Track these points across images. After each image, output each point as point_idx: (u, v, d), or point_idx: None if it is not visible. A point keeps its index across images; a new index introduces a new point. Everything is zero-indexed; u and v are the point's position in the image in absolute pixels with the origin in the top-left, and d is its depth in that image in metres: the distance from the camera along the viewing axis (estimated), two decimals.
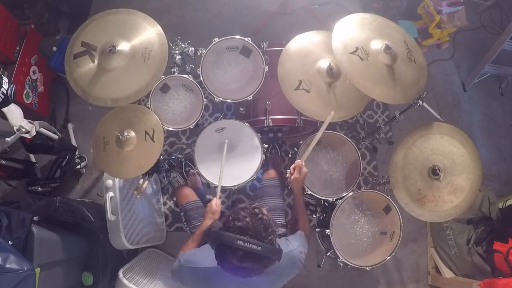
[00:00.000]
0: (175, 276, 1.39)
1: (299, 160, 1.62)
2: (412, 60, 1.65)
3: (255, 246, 1.07)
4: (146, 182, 1.89)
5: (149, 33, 1.69)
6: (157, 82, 1.68)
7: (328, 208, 2.02)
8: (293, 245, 1.39)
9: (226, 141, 1.84)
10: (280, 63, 1.79)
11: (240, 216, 1.13)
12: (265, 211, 1.19)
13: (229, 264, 1.12)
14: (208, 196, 2.46)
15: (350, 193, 1.84)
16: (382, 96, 1.61)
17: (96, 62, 1.67)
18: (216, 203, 1.60)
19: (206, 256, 1.28)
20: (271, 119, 1.98)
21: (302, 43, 1.83)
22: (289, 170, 1.65)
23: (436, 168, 1.68)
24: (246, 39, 1.91)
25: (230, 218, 1.15)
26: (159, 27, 1.71)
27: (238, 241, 1.07)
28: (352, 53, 1.57)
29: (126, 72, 1.65)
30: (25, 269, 1.39)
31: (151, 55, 1.65)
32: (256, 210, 1.16)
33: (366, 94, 1.57)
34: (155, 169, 1.97)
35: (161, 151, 1.72)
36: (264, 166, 2.19)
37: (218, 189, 1.70)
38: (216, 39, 1.91)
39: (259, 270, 1.15)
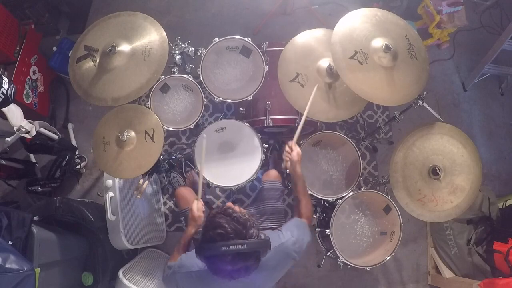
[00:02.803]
0: (168, 283, 1.39)
1: (289, 142, 1.58)
2: (413, 56, 1.65)
3: (240, 245, 1.08)
4: (146, 182, 1.90)
5: (149, 32, 1.69)
6: (157, 78, 1.68)
7: (328, 208, 2.02)
8: (286, 236, 1.36)
9: (204, 135, 1.79)
10: (283, 53, 1.80)
11: (215, 223, 1.14)
12: (236, 208, 1.19)
13: (224, 272, 1.13)
14: (208, 196, 2.47)
15: (350, 193, 1.84)
16: (382, 99, 1.61)
17: (97, 64, 1.68)
18: (197, 207, 1.51)
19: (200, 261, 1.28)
20: (271, 119, 1.98)
21: (307, 39, 1.83)
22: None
23: (436, 168, 1.68)
24: (246, 39, 1.91)
25: (207, 228, 1.16)
26: (159, 25, 1.71)
27: (223, 247, 1.08)
28: (351, 57, 1.57)
29: (126, 71, 1.66)
30: (25, 269, 1.39)
31: (151, 53, 1.66)
32: (229, 211, 1.16)
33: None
34: (155, 169, 1.97)
35: (161, 151, 1.72)
36: (264, 166, 2.19)
37: (199, 190, 1.58)
38: (216, 39, 1.91)
39: (255, 265, 1.16)
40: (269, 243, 1.16)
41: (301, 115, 1.66)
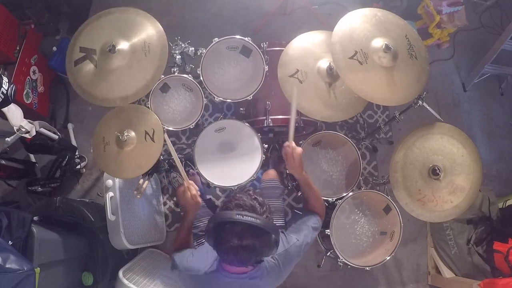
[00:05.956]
0: (175, 276, 1.39)
1: (287, 143, 1.42)
2: (413, 56, 1.65)
3: (253, 219, 1.10)
4: (146, 182, 1.89)
5: (144, 26, 1.68)
6: (161, 73, 1.67)
7: (328, 208, 2.02)
8: (290, 241, 1.37)
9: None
10: (287, 48, 1.81)
11: (236, 197, 1.18)
12: (258, 194, 1.23)
13: (229, 244, 1.10)
14: (208, 196, 2.47)
15: (350, 193, 1.84)
16: (382, 99, 1.62)
17: (98, 65, 1.67)
18: (192, 195, 1.43)
19: (205, 261, 1.28)
20: (271, 119, 1.98)
21: (310, 40, 1.84)
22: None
23: (436, 168, 1.68)
24: (246, 39, 1.91)
25: (227, 202, 1.19)
26: (153, 19, 1.70)
27: (237, 215, 1.10)
28: (351, 57, 1.57)
29: (130, 69, 1.65)
30: (25, 269, 1.39)
31: (151, 48, 1.66)
32: (250, 192, 1.21)
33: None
34: (155, 169, 1.97)
35: (161, 151, 1.72)
36: (264, 166, 2.19)
37: (181, 169, 1.52)
38: (216, 39, 1.91)
39: (260, 249, 1.12)
40: (279, 233, 1.18)
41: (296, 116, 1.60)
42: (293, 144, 1.40)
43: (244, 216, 1.09)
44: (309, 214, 1.49)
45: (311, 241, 1.43)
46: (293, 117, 1.48)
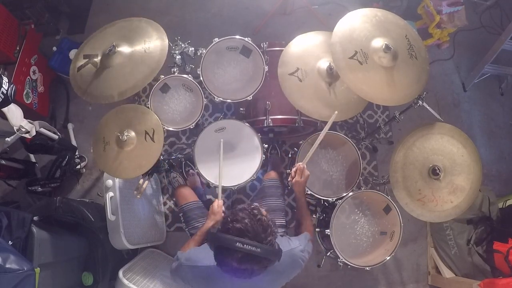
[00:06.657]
0: (175, 275, 1.39)
1: (300, 163, 1.60)
2: (413, 56, 1.65)
3: (254, 248, 1.07)
4: (146, 182, 1.90)
5: (146, 31, 1.71)
6: (160, 67, 1.66)
7: (328, 208, 2.02)
8: (294, 244, 1.38)
9: (222, 140, 1.80)
10: (288, 46, 1.82)
11: (238, 217, 1.12)
12: (264, 212, 1.18)
13: (228, 266, 1.12)
14: (208, 196, 2.47)
15: (350, 193, 1.84)
16: (382, 99, 1.62)
17: (98, 64, 1.68)
18: (218, 204, 1.58)
19: (206, 255, 1.28)
20: (271, 119, 1.98)
21: (310, 40, 1.84)
22: (289, 171, 1.65)
23: (436, 168, 1.68)
24: (246, 39, 1.91)
25: (229, 219, 1.14)
26: (155, 23, 1.73)
27: (237, 243, 1.07)
28: (351, 57, 1.57)
29: (129, 66, 1.66)
30: (25, 269, 1.39)
31: (151, 47, 1.67)
32: (255, 211, 1.15)
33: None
34: (155, 169, 1.97)
35: (161, 151, 1.72)
36: (264, 166, 2.19)
37: (219, 191, 1.68)
38: (216, 39, 1.91)
39: (259, 271, 1.14)
40: (281, 254, 1.16)
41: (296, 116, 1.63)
42: (305, 166, 1.61)
43: (245, 245, 1.06)
44: (302, 234, 1.53)
45: (310, 251, 1.45)
46: (317, 143, 1.62)
